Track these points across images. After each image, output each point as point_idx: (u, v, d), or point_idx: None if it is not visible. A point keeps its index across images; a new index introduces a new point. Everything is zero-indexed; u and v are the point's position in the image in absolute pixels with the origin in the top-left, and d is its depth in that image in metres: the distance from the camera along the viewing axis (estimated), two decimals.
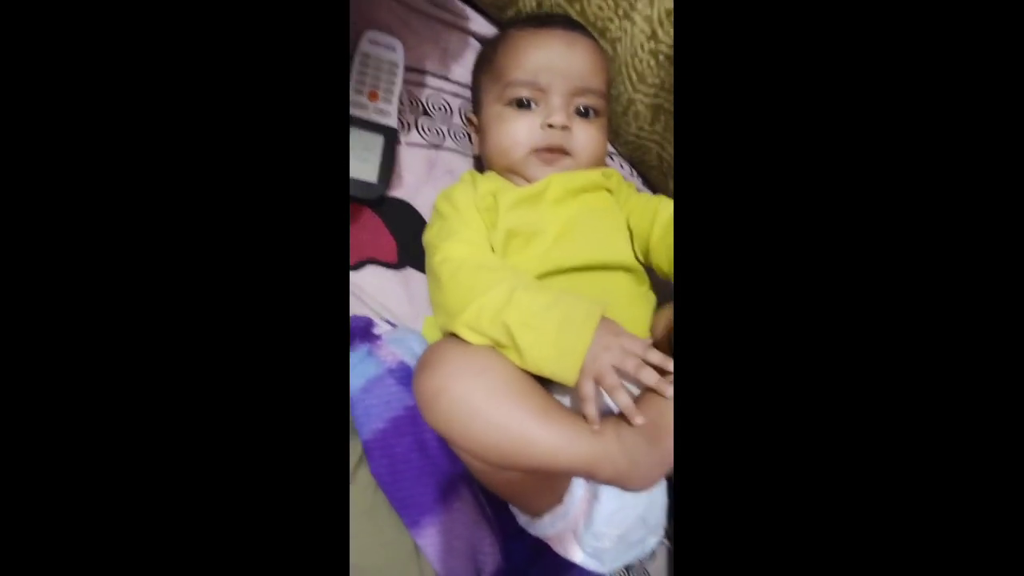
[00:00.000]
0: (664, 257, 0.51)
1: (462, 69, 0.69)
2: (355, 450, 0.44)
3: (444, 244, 0.50)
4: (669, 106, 0.63)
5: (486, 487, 0.45)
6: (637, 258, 0.55)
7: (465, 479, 0.44)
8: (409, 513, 0.42)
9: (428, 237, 0.54)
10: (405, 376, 0.45)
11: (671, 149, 0.66)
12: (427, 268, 0.52)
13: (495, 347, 0.42)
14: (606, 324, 0.42)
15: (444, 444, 0.43)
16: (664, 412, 0.40)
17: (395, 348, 0.47)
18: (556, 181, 0.55)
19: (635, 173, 0.73)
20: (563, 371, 0.40)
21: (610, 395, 0.40)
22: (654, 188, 0.72)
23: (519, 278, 0.45)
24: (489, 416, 0.38)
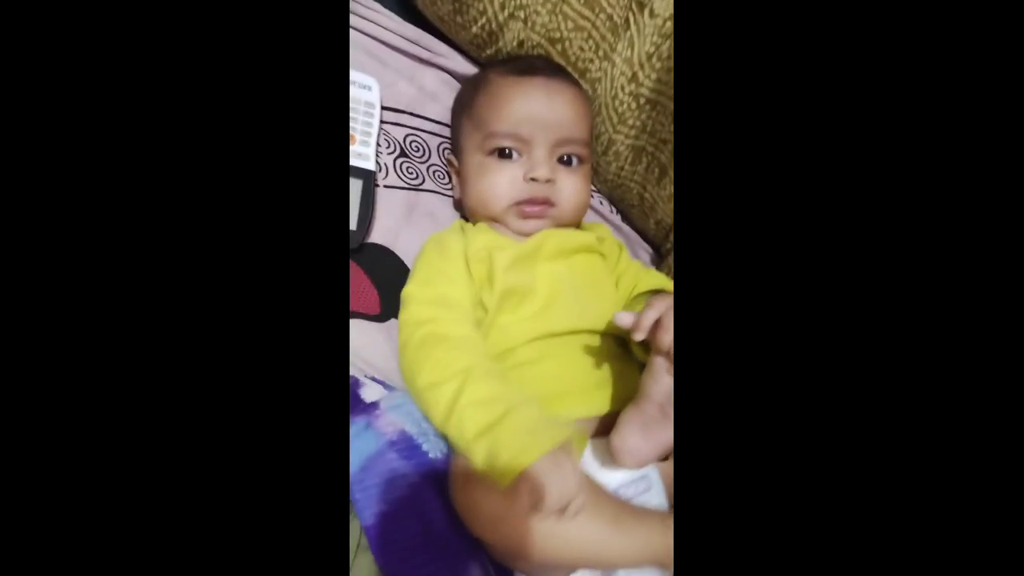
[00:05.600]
0: None
1: (439, 107, 0.67)
2: (353, 533, 0.40)
3: (411, 301, 0.50)
4: (651, 148, 0.64)
5: (503, 564, 0.43)
6: None
7: (476, 559, 0.41)
8: None
9: (406, 289, 0.52)
10: (408, 449, 0.42)
11: (652, 190, 0.66)
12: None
13: None
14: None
15: (451, 523, 0.41)
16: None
17: (395, 416, 0.44)
18: (551, 239, 0.54)
19: (615, 211, 0.73)
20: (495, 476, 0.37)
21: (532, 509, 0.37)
22: (635, 227, 0.72)
23: (470, 371, 0.43)
24: (563, 536, 0.37)
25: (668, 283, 0.57)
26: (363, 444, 0.42)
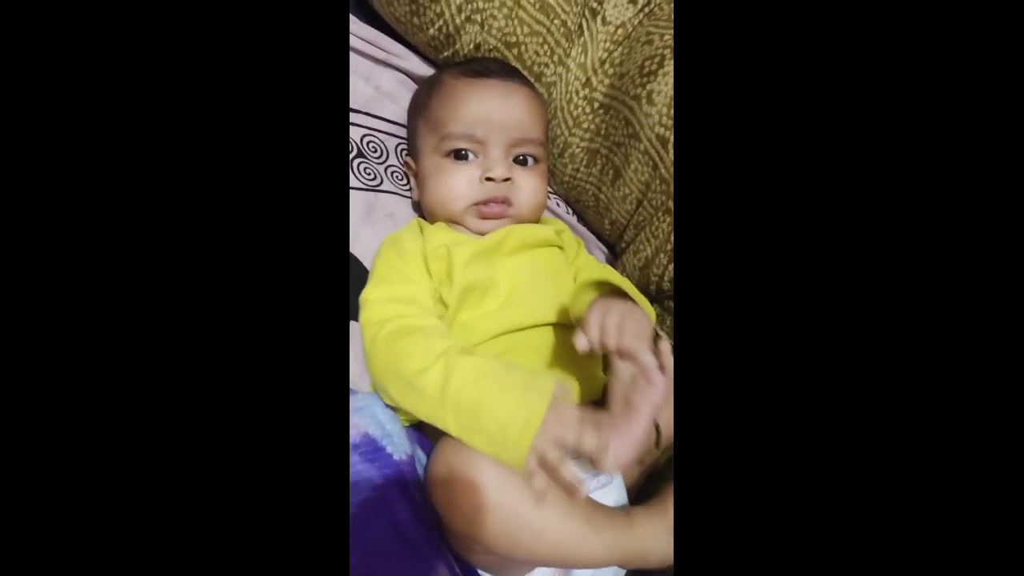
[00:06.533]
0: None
1: (396, 107, 0.66)
2: None
3: (370, 304, 0.50)
4: (605, 151, 0.66)
5: (467, 560, 0.43)
6: None
7: (440, 554, 0.42)
8: None
9: (364, 292, 0.52)
10: (372, 452, 0.42)
11: (607, 191, 0.68)
12: None
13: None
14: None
15: (418, 524, 0.41)
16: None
17: (358, 419, 0.44)
18: (513, 234, 0.55)
19: (571, 211, 0.75)
20: (510, 461, 0.39)
21: (555, 469, 0.39)
22: (590, 227, 0.74)
23: (448, 353, 0.44)
24: (541, 529, 0.39)
25: (615, 276, 0.58)
26: None
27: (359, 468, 0.41)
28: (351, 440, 0.42)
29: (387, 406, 0.46)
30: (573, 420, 0.40)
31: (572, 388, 0.43)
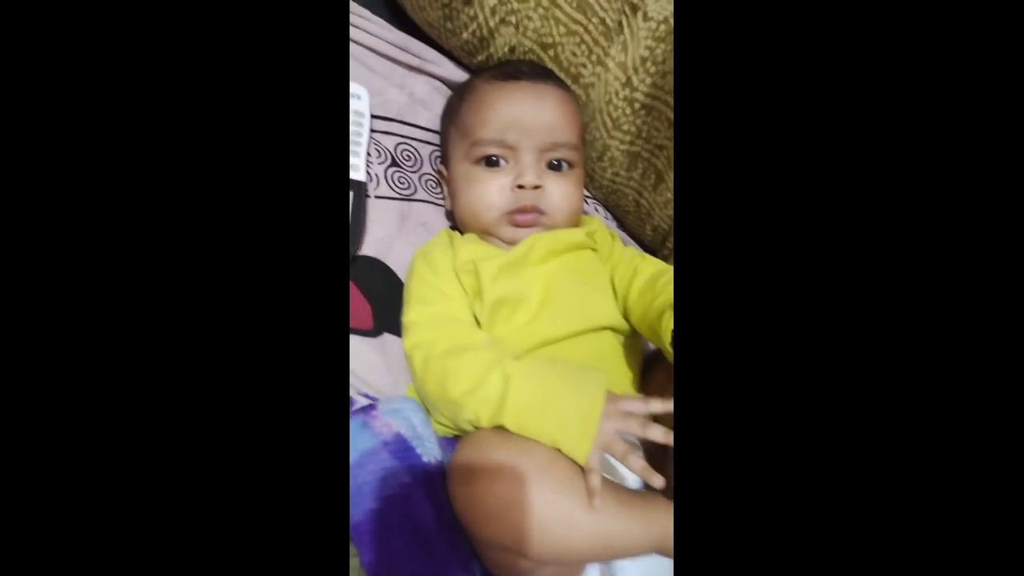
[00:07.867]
0: (638, 317, 0.50)
1: (430, 114, 0.65)
2: None
3: (414, 326, 0.49)
4: (647, 154, 0.63)
5: (494, 572, 0.42)
6: (624, 315, 0.53)
7: (464, 565, 0.40)
8: None
9: (406, 317, 0.51)
10: (401, 451, 0.42)
11: (648, 195, 0.65)
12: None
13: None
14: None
15: (441, 527, 0.40)
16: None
17: (391, 419, 0.44)
18: (539, 243, 0.53)
19: (611, 216, 0.72)
20: (574, 455, 0.39)
21: (624, 463, 0.39)
22: (630, 232, 0.71)
23: (502, 361, 0.44)
24: (571, 521, 0.37)
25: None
26: (359, 441, 0.42)
27: (387, 464, 0.41)
28: (382, 438, 0.42)
29: (422, 411, 0.46)
30: (638, 410, 0.39)
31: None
